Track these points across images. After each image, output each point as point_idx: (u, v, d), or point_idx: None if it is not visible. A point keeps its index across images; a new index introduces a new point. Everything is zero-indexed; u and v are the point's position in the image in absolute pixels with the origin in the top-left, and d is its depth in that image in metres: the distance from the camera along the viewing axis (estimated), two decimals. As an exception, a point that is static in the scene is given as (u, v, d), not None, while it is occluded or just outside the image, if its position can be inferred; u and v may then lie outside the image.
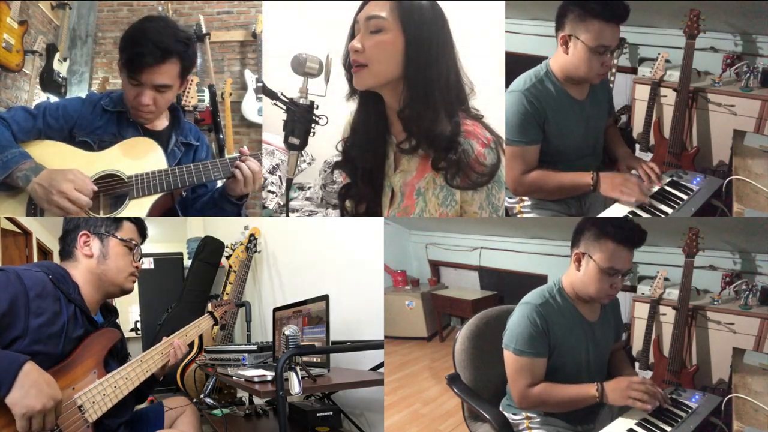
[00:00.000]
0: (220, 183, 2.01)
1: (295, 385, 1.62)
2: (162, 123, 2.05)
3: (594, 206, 1.97)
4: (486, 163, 1.45)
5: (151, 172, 1.88)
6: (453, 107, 1.49)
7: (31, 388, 1.25)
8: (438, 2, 1.51)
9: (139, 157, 1.91)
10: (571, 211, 2.02)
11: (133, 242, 1.68)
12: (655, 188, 1.92)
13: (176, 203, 2.01)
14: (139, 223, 1.74)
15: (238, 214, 2.03)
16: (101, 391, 1.47)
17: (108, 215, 1.83)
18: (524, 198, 2.01)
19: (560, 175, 1.90)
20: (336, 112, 1.63)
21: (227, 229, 3.95)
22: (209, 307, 2.38)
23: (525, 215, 2.03)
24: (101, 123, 1.95)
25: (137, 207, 1.86)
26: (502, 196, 1.51)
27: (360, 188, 1.63)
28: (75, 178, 1.77)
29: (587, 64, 1.80)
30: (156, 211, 1.90)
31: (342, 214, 1.72)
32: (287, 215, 1.74)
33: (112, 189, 1.87)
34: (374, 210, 1.63)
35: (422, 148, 1.51)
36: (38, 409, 1.25)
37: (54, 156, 1.85)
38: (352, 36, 1.51)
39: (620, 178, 1.87)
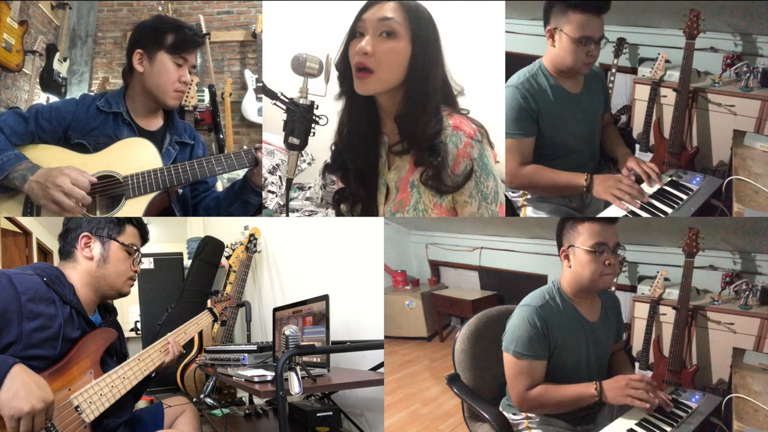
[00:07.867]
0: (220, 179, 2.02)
1: (295, 385, 1.62)
2: (157, 123, 2.06)
3: (596, 200, 1.97)
4: (472, 155, 1.44)
5: (146, 171, 1.88)
6: (440, 109, 1.48)
7: (20, 390, 1.24)
8: (434, 3, 1.51)
9: (134, 158, 1.91)
10: (573, 205, 2.03)
11: (134, 247, 1.68)
12: (655, 188, 1.92)
13: (173, 202, 2.01)
14: (141, 227, 1.73)
15: (259, 209, 2.06)
16: (98, 391, 1.47)
17: (104, 215, 1.83)
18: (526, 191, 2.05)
19: (555, 173, 1.93)
20: (336, 112, 1.62)
21: (227, 229, 3.95)
22: (209, 303, 2.38)
23: (528, 208, 2.06)
24: (96, 124, 1.95)
25: (133, 206, 1.86)
26: (491, 185, 1.49)
27: (354, 190, 1.62)
28: (71, 172, 1.79)
29: (573, 55, 1.87)
30: (152, 210, 1.90)
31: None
32: (287, 215, 1.74)
33: (108, 190, 1.87)
34: (370, 210, 1.62)
35: (413, 150, 1.51)
36: (26, 411, 1.24)
37: (49, 160, 1.86)
38: (351, 36, 1.49)
39: (613, 180, 1.88)
